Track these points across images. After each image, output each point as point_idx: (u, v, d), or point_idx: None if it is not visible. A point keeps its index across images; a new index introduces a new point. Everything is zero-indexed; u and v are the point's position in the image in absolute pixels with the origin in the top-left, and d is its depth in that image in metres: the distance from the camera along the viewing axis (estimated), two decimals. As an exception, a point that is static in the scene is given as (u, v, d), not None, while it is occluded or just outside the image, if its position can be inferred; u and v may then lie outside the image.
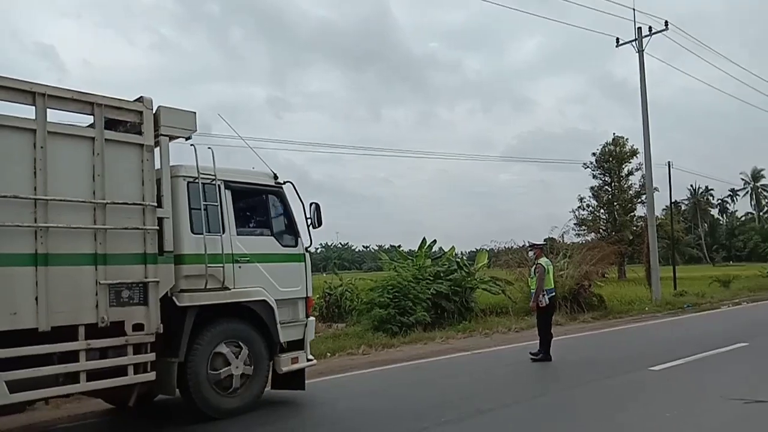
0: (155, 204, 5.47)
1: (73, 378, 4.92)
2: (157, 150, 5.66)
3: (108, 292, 5.08)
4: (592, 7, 20.27)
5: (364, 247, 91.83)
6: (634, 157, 38.92)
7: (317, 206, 6.95)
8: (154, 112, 5.59)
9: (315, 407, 6.60)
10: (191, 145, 5.97)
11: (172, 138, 5.79)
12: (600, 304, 16.30)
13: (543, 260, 9.13)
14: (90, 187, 5.08)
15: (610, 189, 41.23)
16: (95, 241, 5.06)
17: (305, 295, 6.85)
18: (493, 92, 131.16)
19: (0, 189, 4.56)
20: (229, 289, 5.97)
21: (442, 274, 14.53)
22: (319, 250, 69.65)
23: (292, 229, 6.84)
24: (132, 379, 5.22)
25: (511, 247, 18.60)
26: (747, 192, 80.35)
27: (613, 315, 15.60)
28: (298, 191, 6.91)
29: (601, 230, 39.58)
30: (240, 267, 6.12)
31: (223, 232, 6.04)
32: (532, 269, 9.35)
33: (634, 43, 19.79)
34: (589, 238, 34.13)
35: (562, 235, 22.09)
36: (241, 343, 6.01)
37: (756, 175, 78.04)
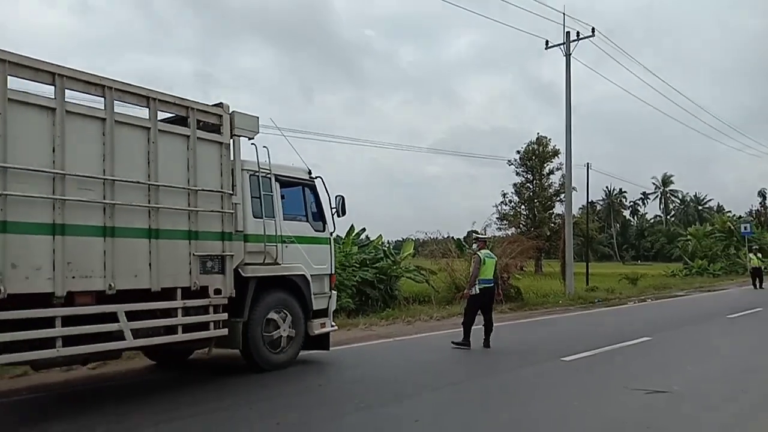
0: (231, 192, 6.66)
1: (172, 330, 6.06)
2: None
3: (198, 262, 6.25)
4: (525, 8, 20.49)
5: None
6: (556, 156, 40.27)
7: (342, 198, 8.32)
8: (230, 115, 6.76)
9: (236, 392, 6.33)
10: (252, 143, 7.18)
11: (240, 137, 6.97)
12: (517, 296, 16.75)
13: (482, 252, 9.33)
14: (185, 176, 6.21)
15: (531, 186, 42.33)
16: (189, 220, 6.20)
17: (330, 272, 8.24)
18: (425, 85, 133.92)
19: (125, 176, 5.62)
20: (279, 265, 7.27)
21: (368, 262, 14.78)
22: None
23: (321, 216, 8.19)
24: (212, 333, 6.43)
25: (437, 237, 19.17)
26: (657, 196, 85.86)
27: (529, 307, 16.02)
28: (325, 185, 8.27)
29: (521, 225, 40.46)
30: (287, 246, 7.42)
31: (275, 217, 7.32)
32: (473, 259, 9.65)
33: (562, 46, 20.28)
34: (509, 233, 34.29)
35: (485, 228, 22.61)
36: (286, 310, 7.32)
37: (666, 181, 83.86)
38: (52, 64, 5.19)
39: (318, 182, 8.20)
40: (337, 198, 8.32)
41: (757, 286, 23.22)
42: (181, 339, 6.15)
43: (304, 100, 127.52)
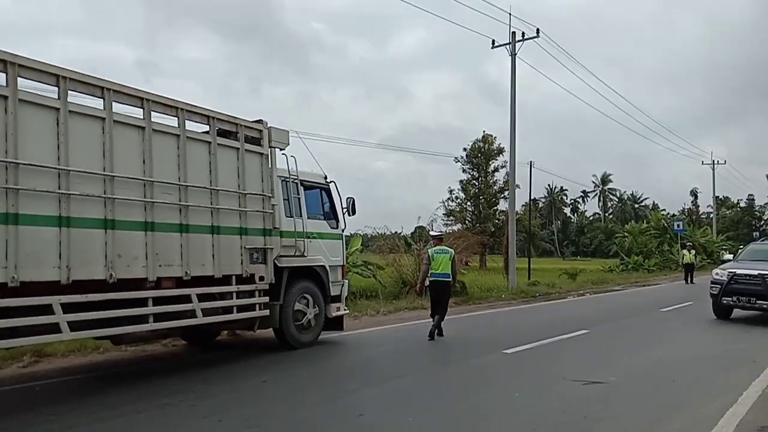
0: (270, 195, 7.91)
1: (229, 310, 7.27)
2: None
3: (247, 254, 7.47)
4: (473, 7, 20.20)
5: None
6: (501, 154, 41.40)
7: (353, 200, 9.65)
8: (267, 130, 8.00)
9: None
10: (283, 153, 8.43)
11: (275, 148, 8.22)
12: (462, 290, 16.74)
13: (432, 248, 9.67)
14: (236, 182, 7.42)
15: (477, 183, 43.40)
16: (240, 219, 7.42)
17: (342, 264, 9.57)
18: (374, 80, 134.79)
19: (195, 182, 6.79)
20: (305, 257, 8.55)
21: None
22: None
23: (335, 215, 9.51)
24: (258, 314, 7.66)
25: (385, 233, 19.47)
26: (596, 194, 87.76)
27: (473, 301, 16.25)
28: (338, 188, 9.58)
29: (467, 221, 41.52)
30: (310, 241, 8.71)
31: (301, 216, 8.60)
32: None
33: (507, 46, 20.45)
34: (455, 228, 35.39)
35: (431, 223, 22.95)
36: (311, 296, 8.60)
37: (605, 180, 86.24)
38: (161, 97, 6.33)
39: (332, 186, 9.52)
40: (348, 199, 9.65)
41: (689, 281, 24.07)
42: (235, 317, 7.37)
43: (251, 91, 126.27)
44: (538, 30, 20.37)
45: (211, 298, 7.02)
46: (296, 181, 8.61)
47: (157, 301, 6.32)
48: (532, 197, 36.53)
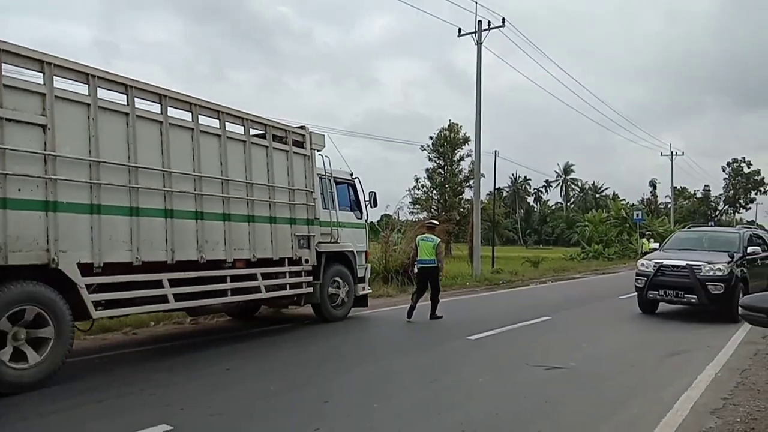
0: (312, 190, 9.28)
1: (282, 287, 8.66)
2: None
3: (296, 240, 8.86)
4: None
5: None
6: (466, 143, 41.52)
7: (374, 194, 11.09)
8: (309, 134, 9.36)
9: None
10: (319, 154, 9.78)
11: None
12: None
13: (420, 236, 10.54)
14: (287, 179, 8.78)
15: (443, 172, 43.60)
16: (290, 211, 8.79)
17: (366, 249, 11.02)
18: (341, 67, 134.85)
19: (258, 180, 8.13)
20: (338, 243, 9.96)
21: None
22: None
23: (360, 207, 10.94)
24: (304, 291, 9.09)
25: None
26: (559, 184, 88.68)
27: None
28: (361, 183, 10.99)
29: (432, 209, 41.17)
30: (342, 230, 10.12)
31: (334, 208, 10.00)
32: None
33: (473, 35, 20.33)
34: (421, 216, 35.22)
35: (398, 211, 23.26)
36: (342, 277, 10.02)
37: (567, 169, 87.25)
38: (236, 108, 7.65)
39: (357, 182, 10.94)
40: (371, 193, 11.08)
41: None
42: (288, 293, 8.78)
43: (215, 75, 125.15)
44: (503, 19, 20.33)
45: (271, 276, 8.40)
46: (330, 177, 10.00)
47: (233, 278, 7.69)
48: (496, 186, 36.77)
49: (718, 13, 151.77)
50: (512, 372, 6.45)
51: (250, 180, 8.01)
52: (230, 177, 7.66)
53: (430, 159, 44.29)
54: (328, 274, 9.68)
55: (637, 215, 37.22)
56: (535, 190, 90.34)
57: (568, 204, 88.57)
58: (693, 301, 10.23)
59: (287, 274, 8.71)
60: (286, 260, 8.70)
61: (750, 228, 13.47)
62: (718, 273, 10.06)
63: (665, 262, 10.72)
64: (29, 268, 5.44)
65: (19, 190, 5.35)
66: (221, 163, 7.59)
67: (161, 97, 6.84)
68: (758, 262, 11.38)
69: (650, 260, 11.07)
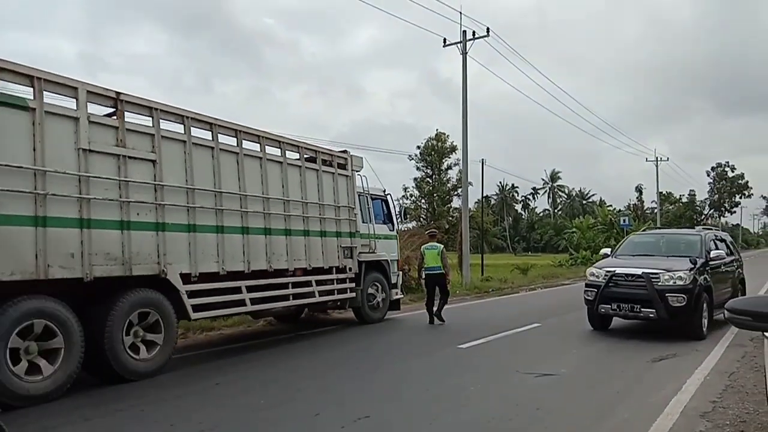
0: (353, 206, 10.51)
1: (331, 293, 9.87)
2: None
3: (341, 251, 10.08)
4: (425, 6, 20.48)
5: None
6: (454, 152, 42.61)
7: (405, 209, 12.32)
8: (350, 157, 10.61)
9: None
10: (359, 174, 11.02)
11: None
12: (417, 287, 16.10)
13: (424, 246, 11.43)
14: (333, 198, 10.01)
15: (431, 181, 44.79)
16: (336, 225, 10.02)
17: (397, 258, 12.24)
18: (327, 77, 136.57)
19: (311, 199, 9.36)
20: (375, 253, 11.18)
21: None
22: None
23: (391, 220, 12.17)
24: (348, 296, 10.30)
25: None
26: (546, 191, 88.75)
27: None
28: (393, 199, 12.23)
29: (421, 218, 42.44)
30: (378, 241, 11.34)
31: (371, 222, 11.22)
32: None
33: (458, 45, 20.58)
34: (410, 226, 35.62)
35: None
36: (379, 283, 11.22)
37: (554, 176, 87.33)
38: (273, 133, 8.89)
39: (389, 197, 12.19)
40: (401, 207, 12.32)
41: None
42: (335, 298, 9.99)
43: (202, 87, 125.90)
44: (488, 29, 20.65)
45: (323, 283, 9.62)
46: (367, 194, 11.24)
47: (294, 285, 8.91)
48: (484, 194, 36.88)
49: (698, 17, 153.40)
50: (503, 379, 6.48)
51: (305, 199, 9.24)
52: (290, 197, 8.89)
53: (418, 168, 45.05)
54: (368, 280, 10.89)
55: (624, 221, 37.40)
56: (523, 198, 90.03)
57: (556, 211, 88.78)
58: (651, 316, 8.73)
59: (335, 281, 9.92)
60: (334, 269, 9.91)
61: (711, 229, 12.15)
62: (679, 282, 8.64)
63: (618, 270, 9.23)
64: (145, 278, 6.66)
65: (138, 214, 6.59)
66: (283, 186, 8.82)
67: (237, 132, 8.09)
68: (722, 268, 10.10)
69: (600, 268, 9.54)
